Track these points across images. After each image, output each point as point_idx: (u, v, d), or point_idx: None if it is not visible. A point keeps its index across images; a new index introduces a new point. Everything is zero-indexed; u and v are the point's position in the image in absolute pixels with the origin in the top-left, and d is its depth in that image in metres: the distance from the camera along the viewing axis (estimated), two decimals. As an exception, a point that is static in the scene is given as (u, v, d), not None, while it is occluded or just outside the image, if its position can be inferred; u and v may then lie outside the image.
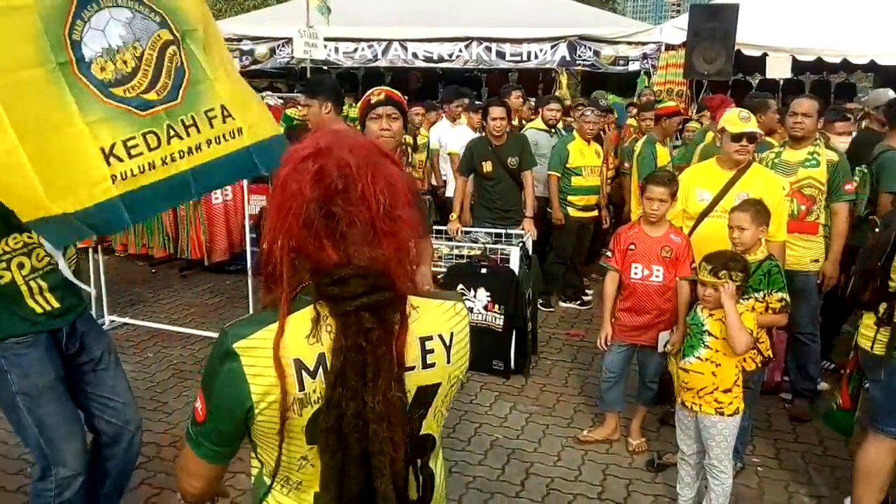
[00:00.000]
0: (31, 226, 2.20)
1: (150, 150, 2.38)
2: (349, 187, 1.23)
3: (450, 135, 7.35)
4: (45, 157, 2.11)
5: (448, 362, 1.35)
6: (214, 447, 1.34)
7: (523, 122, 7.64)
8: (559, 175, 6.26)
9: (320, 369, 1.23)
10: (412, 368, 1.29)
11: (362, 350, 1.20)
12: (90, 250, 6.02)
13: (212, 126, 2.59)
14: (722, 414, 3.21)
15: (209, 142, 2.56)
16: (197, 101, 2.56)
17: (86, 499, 2.87)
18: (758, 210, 3.48)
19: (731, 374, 3.21)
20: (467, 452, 4.06)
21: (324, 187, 1.22)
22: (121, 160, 2.30)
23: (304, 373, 1.23)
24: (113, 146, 2.29)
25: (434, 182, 7.38)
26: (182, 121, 2.49)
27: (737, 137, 3.93)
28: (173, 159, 2.45)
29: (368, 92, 3.17)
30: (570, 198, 6.30)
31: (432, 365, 1.32)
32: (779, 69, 9.85)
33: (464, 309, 1.43)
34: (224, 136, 2.61)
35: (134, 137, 2.34)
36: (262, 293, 1.31)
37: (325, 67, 11.12)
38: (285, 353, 1.22)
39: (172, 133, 2.47)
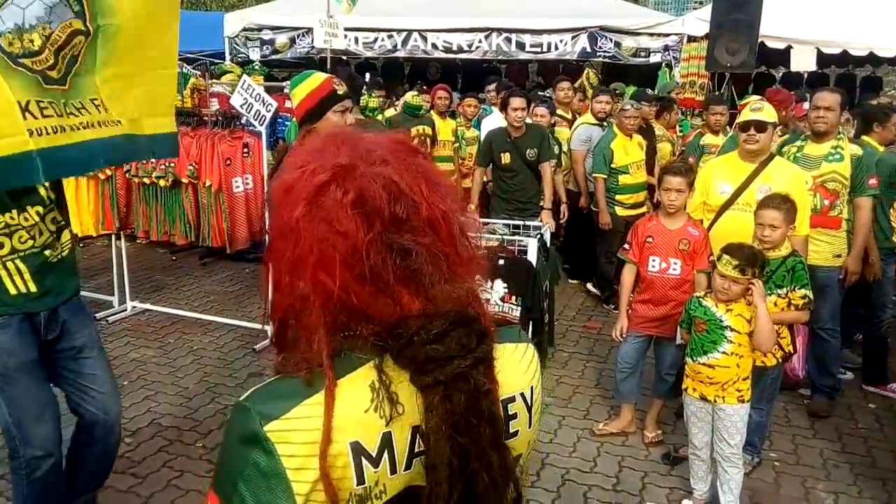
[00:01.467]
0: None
1: (58, 115, 2.45)
2: (408, 211, 0.92)
3: None
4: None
5: (529, 426, 1.05)
6: None
7: (576, 115, 7.42)
8: (605, 176, 6.11)
9: (385, 453, 0.92)
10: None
11: (471, 426, 0.89)
12: (112, 237, 6.10)
13: (98, 111, 2.66)
14: (743, 401, 3.27)
15: (99, 123, 2.64)
16: (81, 91, 2.62)
17: (62, 480, 2.90)
18: (788, 208, 3.46)
19: (750, 363, 3.28)
20: (483, 442, 4.07)
21: (373, 219, 0.90)
22: (35, 118, 2.36)
23: (364, 461, 0.91)
24: (28, 103, 2.36)
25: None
26: (72, 104, 2.56)
27: (744, 126, 3.94)
28: (78, 128, 2.53)
29: (325, 78, 2.90)
30: (617, 197, 6.14)
31: (514, 434, 1.01)
32: (803, 62, 9.71)
33: (533, 351, 1.10)
34: (107, 122, 2.69)
35: (43, 101, 2.42)
36: (279, 359, 1.00)
37: (344, 58, 11.12)
38: (338, 435, 0.89)
39: (70, 110, 2.54)
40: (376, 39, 10.85)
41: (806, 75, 11.92)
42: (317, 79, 2.90)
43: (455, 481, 0.89)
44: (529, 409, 1.04)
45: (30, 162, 2.30)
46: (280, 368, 0.97)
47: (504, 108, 5.80)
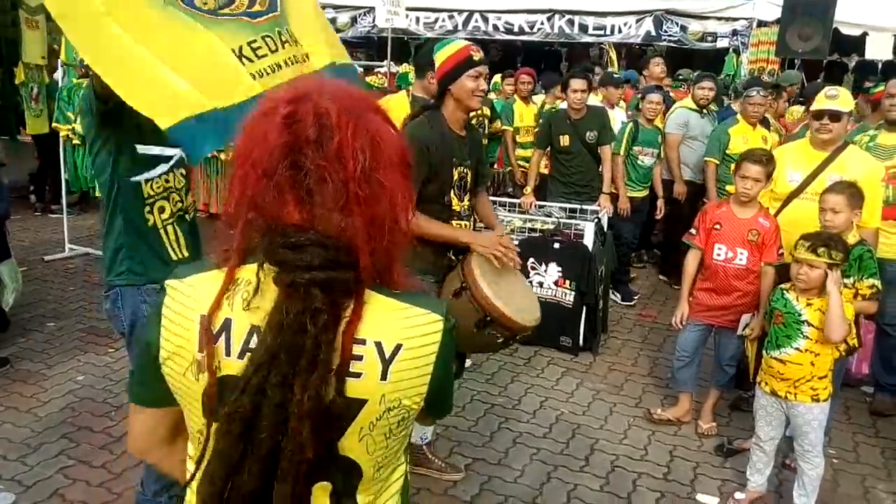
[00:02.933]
0: (173, 132, 2.12)
1: (271, 52, 2.36)
2: (324, 138, 1.05)
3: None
4: (188, 66, 2.14)
5: (383, 379, 1.08)
6: (138, 386, 1.21)
7: (668, 92, 7.15)
8: (717, 162, 5.68)
9: (223, 335, 1.07)
10: (340, 370, 1.06)
11: (304, 332, 1.01)
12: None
13: (303, 44, 2.51)
14: (817, 400, 3.15)
15: (305, 56, 2.48)
16: (289, 15, 2.50)
17: None
18: (852, 193, 3.34)
19: (828, 361, 3.15)
20: (532, 425, 4.06)
21: (293, 134, 1.05)
22: (251, 61, 2.29)
23: (229, 339, 1.07)
24: (241, 48, 2.28)
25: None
26: (287, 30, 2.45)
27: (818, 115, 3.82)
28: (296, 61, 2.41)
29: (464, 45, 3.02)
30: (728, 187, 5.26)
31: (357, 375, 1.06)
32: (879, 50, 9.32)
33: (438, 324, 1.13)
34: (313, 54, 2.54)
35: (255, 40, 2.32)
36: (217, 244, 1.14)
37: (405, 38, 11.13)
38: (193, 311, 1.09)
39: (284, 39, 2.42)
40: (437, 20, 10.82)
41: (881, 64, 11.46)
42: (457, 45, 3.04)
43: (276, 376, 1.00)
44: (387, 361, 1.08)
45: None
46: (214, 253, 1.14)
47: (564, 89, 5.71)
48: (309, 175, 1.04)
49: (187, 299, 1.10)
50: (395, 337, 1.09)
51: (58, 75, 7.34)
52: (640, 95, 6.71)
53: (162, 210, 2.60)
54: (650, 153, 6.15)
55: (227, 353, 1.07)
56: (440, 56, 3.04)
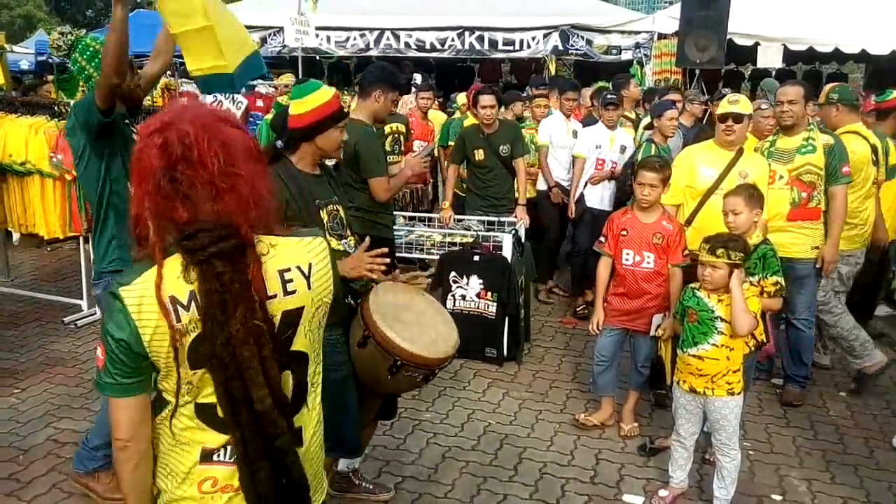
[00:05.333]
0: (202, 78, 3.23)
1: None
2: (188, 153, 1.42)
3: (562, 131, 6.40)
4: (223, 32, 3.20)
5: (309, 288, 1.60)
6: (116, 379, 1.49)
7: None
8: None
9: (192, 304, 1.45)
10: (274, 297, 1.52)
11: (220, 290, 1.43)
12: (80, 239, 5.98)
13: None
14: (732, 394, 3.26)
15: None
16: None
17: None
18: (751, 194, 3.52)
19: (740, 355, 3.28)
20: (461, 438, 4.07)
21: (166, 156, 1.42)
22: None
23: (179, 307, 1.45)
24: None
25: (546, 183, 6.37)
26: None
27: (723, 118, 4.13)
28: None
29: (333, 95, 2.89)
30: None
31: (293, 292, 1.56)
32: (770, 58, 9.85)
33: (322, 243, 1.67)
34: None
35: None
36: (136, 251, 1.51)
37: (317, 57, 11.07)
38: (164, 291, 1.45)
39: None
40: (348, 38, 10.82)
41: (774, 72, 12.10)
42: (326, 93, 2.86)
43: (215, 325, 1.43)
44: (308, 277, 1.59)
45: (258, 57, 3.58)
46: (137, 257, 1.50)
47: (474, 105, 5.78)
48: (184, 183, 1.42)
49: (144, 294, 1.45)
50: (305, 259, 1.61)
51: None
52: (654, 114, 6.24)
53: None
54: None
55: (187, 311, 1.46)
56: (308, 103, 2.82)
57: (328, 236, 2.80)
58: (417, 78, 8.55)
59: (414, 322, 2.76)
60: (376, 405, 3.12)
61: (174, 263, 1.46)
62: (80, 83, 5.52)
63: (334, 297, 1.71)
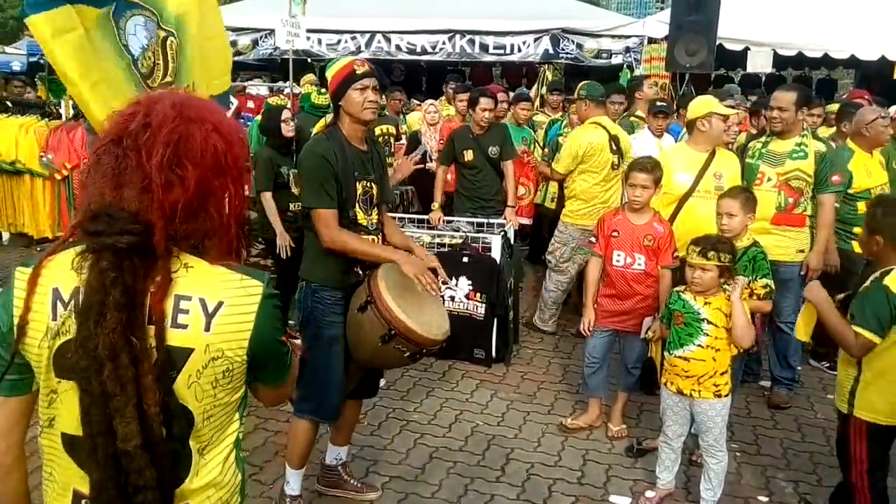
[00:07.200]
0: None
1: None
2: (140, 133, 1.26)
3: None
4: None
5: (207, 331, 1.28)
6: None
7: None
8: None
9: (72, 301, 1.25)
10: (156, 324, 1.25)
11: (99, 290, 1.21)
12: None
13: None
14: (719, 396, 3.27)
15: None
16: (182, 79, 3.44)
17: None
18: (747, 197, 3.56)
19: (727, 357, 3.28)
20: (448, 439, 4.06)
21: (122, 127, 1.27)
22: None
23: (58, 302, 1.26)
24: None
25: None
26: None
27: (726, 118, 4.24)
28: None
29: (349, 61, 3.08)
30: (856, 229, 4.32)
31: (183, 326, 1.27)
32: (760, 63, 9.90)
33: (259, 289, 1.35)
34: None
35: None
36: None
37: (308, 60, 11.04)
38: (45, 280, 1.28)
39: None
40: (339, 41, 10.79)
41: (763, 77, 12.16)
42: (341, 62, 3.08)
43: (86, 328, 1.20)
44: (210, 315, 1.29)
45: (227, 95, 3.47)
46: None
47: (473, 106, 5.77)
48: (120, 161, 1.25)
49: (31, 276, 1.28)
50: (218, 295, 1.30)
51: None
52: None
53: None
54: None
55: (65, 308, 1.26)
56: (328, 75, 3.08)
57: (357, 207, 3.04)
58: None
59: (414, 303, 2.93)
60: (357, 376, 3.21)
61: (74, 252, 1.27)
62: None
63: (255, 362, 1.37)
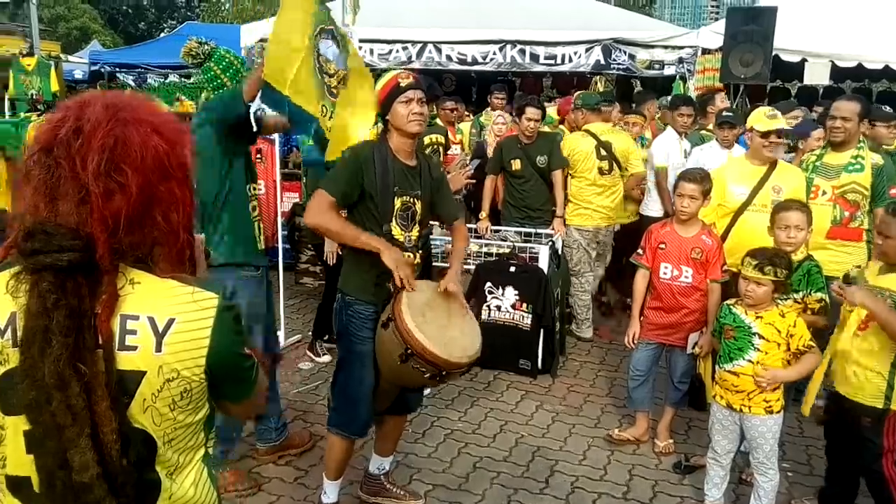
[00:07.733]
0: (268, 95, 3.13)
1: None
2: (72, 141, 1.15)
3: (676, 151, 6.02)
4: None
5: (158, 351, 1.19)
6: None
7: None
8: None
9: (9, 328, 1.16)
10: (104, 346, 1.17)
11: (40, 314, 1.12)
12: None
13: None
14: (771, 412, 3.19)
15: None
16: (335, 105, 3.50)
17: None
18: (809, 211, 3.50)
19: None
20: (493, 449, 4.05)
21: (52, 134, 1.16)
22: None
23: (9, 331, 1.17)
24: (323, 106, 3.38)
25: (664, 209, 5.93)
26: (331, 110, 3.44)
27: (765, 135, 4.07)
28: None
29: (394, 74, 3.09)
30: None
31: (133, 348, 1.18)
32: (817, 75, 9.67)
33: (214, 301, 1.26)
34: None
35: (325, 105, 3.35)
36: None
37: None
38: None
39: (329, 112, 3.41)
40: (391, 51, 10.89)
41: (821, 90, 11.87)
42: (387, 76, 3.12)
43: (30, 357, 1.11)
44: (160, 334, 1.19)
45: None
46: None
47: (519, 115, 5.79)
48: (53, 172, 1.15)
49: None
50: (168, 312, 1.20)
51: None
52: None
53: (254, 209, 3.44)
54: None
55: (15, 345, 1.16)
56: (376, 90, 3.13)
57: (395, 222, 3.00)
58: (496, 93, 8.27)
59: (438, 323, 2.89)
60: (393, 394, 3.19)
61: (8, 273, 1.18)
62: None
63: (215, 381, 1.28)
